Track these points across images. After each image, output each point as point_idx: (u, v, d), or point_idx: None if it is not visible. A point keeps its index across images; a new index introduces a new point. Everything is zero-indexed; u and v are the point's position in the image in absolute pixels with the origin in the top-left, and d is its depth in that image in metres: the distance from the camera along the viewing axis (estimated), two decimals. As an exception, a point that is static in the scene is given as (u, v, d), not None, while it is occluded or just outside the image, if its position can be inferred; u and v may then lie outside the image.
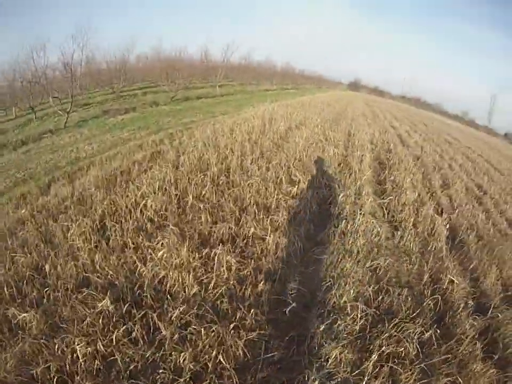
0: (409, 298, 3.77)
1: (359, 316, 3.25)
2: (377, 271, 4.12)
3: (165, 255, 3.77)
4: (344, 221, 4.97)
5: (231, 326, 3.09)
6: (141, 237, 4.26)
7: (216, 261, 3.78)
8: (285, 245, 4.27)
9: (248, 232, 4.42)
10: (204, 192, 5.30)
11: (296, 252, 4.25)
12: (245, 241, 4.35)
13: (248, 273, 3.81)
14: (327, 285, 3.72)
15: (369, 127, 15.20)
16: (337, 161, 7.99)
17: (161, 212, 4.81)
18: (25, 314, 3.21)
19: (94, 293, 3.34)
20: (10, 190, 8.63)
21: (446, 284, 4.21)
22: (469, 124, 60.66)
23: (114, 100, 24.87)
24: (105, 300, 3.20)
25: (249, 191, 5.35)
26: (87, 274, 3.73)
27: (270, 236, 4.30)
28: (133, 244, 4.16)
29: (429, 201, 6.89)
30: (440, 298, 3.81)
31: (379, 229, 4.98)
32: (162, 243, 3.95)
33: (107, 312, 3.17)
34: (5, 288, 3.61)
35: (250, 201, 5.12)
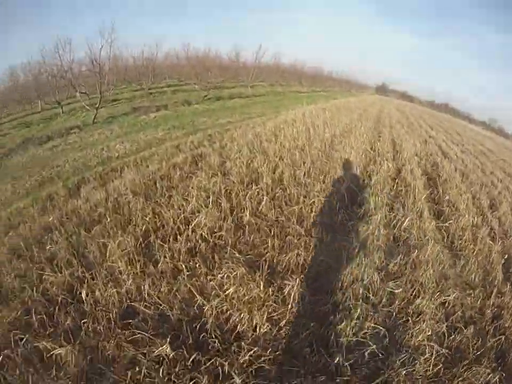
0: (474, 336, 3.40)
1: (433, 357, 2.94)
2: (446, 306, 3.70)
3: (231, 289, 3.24)
4: (416, 250, 4.43)
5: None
6: (195, 261, 3.73)
7: (291, 295, 3.29)
8: (361, 278, 3.73)
9: (319, 260, 3.91)
10: (260, 208, 4.77)
11: (372, 285, 3.70)
12: (316, 271, 3.82)
13: (327, 309, 3.32)
14: (403, 322, 3.34)
15: (409, 136, 14.49)
16: (391, 176, 7.41)
17: (215, 230, 4.24)
18: (60, 350, 2.74)
19: (145, 333, 2.86)
20: (36, 190, 8.23)
21: (508, 322, 3.82)
22: (497, 132, 58.90)
23: (143, 96, 24.65)
24: (165, 346, 2.69)
25: (311, 210, 4.81)
26: (132, 303, 3.23)
27: (345, 268, 3.78)
28: (187, 269, 3.62)
29: (482, 225, 6.25)
30: (503, 338, 3.48)
31: (443, 257, 4.55)
32: (227, 275, 3.41)
33: (166, 356, 2.68)
34: (33, 313, 3.12)
35: (315, 221, 4.59)
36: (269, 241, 4.03)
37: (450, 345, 3.21)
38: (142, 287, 3.37)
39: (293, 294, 3.29)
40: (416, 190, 6.62)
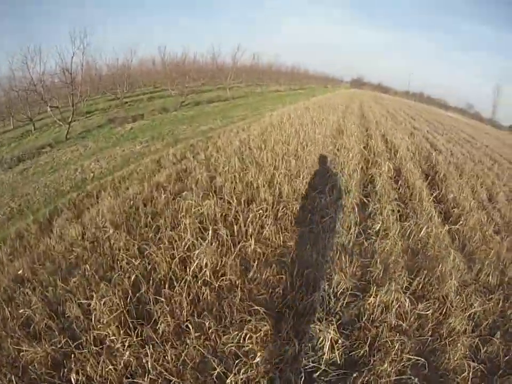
0: (502, 342, 3.22)
1: (470, 374, 2.79)
2: (473, 317, 3.48)
3: (257, 353, 2.63)
4: (437, 262, 4.05)
5: None
6: (201, 315, 3.05)
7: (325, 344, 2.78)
8: (391, 305, 3.27)
9: (346, 293, 3.38)
10: (264, 232, 4.15)
11: (403, 311, 3.26)
12: (344, 305, 3.30)
13: (364, 352, 2.85)
14: (438, 345, 3.08)
15: (396, 130, 14.20)
16: (393, 178, 6.99)
17: (217, 269, 3.54)
18: None
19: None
20: (4, 227, 7.46)
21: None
22: (474, 117, 59.96)
23: (118, 106, 23.80)
24: None
25: (323, 230, 4.28)
26: (135, 381, 2.58)
27: (374, 297, 3.26)
28: (193, 327, 2.89)
29: (488, 221, 5.95)
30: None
31: (458, 262, 4.25)
32: (249, 335, 2.76)
33: None
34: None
35: (329, 245, 4.03)
36: (285, 279, 3.44)
37: (483, 358, 3.08)
38: (143, 358, 2.71)
39: (328, 344, 2.76)
40: (423, 193, 6.25)
